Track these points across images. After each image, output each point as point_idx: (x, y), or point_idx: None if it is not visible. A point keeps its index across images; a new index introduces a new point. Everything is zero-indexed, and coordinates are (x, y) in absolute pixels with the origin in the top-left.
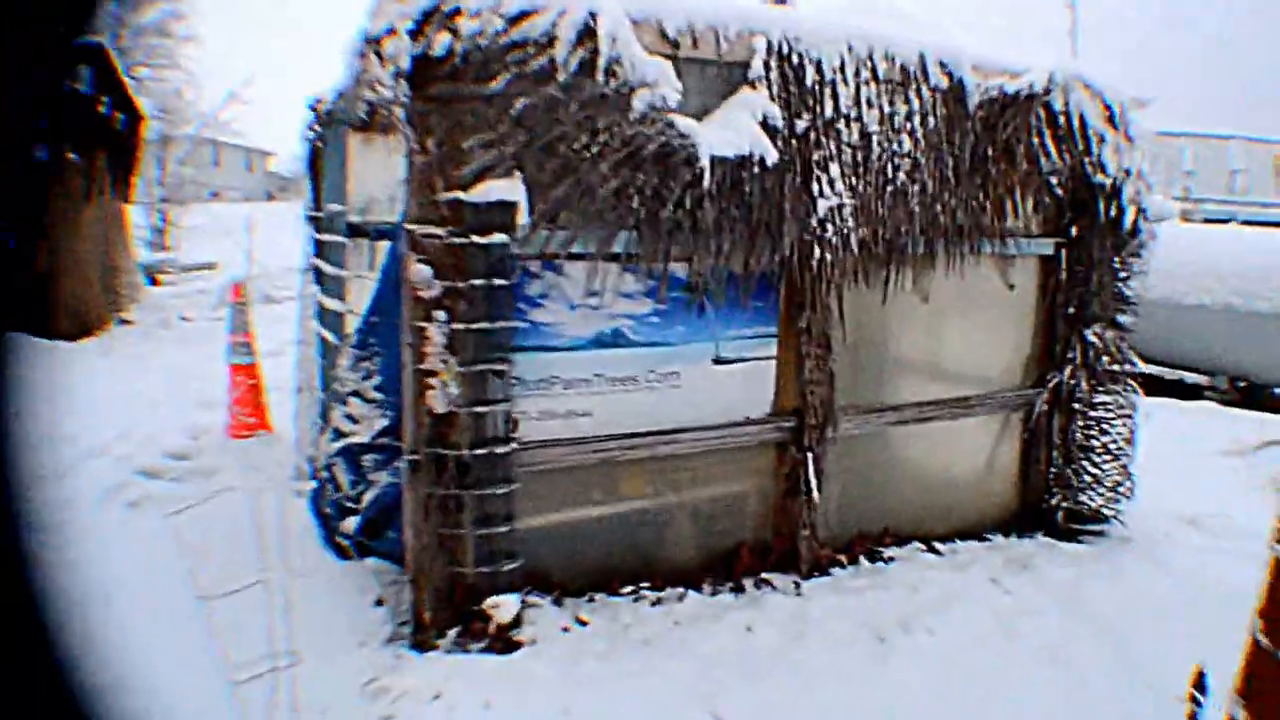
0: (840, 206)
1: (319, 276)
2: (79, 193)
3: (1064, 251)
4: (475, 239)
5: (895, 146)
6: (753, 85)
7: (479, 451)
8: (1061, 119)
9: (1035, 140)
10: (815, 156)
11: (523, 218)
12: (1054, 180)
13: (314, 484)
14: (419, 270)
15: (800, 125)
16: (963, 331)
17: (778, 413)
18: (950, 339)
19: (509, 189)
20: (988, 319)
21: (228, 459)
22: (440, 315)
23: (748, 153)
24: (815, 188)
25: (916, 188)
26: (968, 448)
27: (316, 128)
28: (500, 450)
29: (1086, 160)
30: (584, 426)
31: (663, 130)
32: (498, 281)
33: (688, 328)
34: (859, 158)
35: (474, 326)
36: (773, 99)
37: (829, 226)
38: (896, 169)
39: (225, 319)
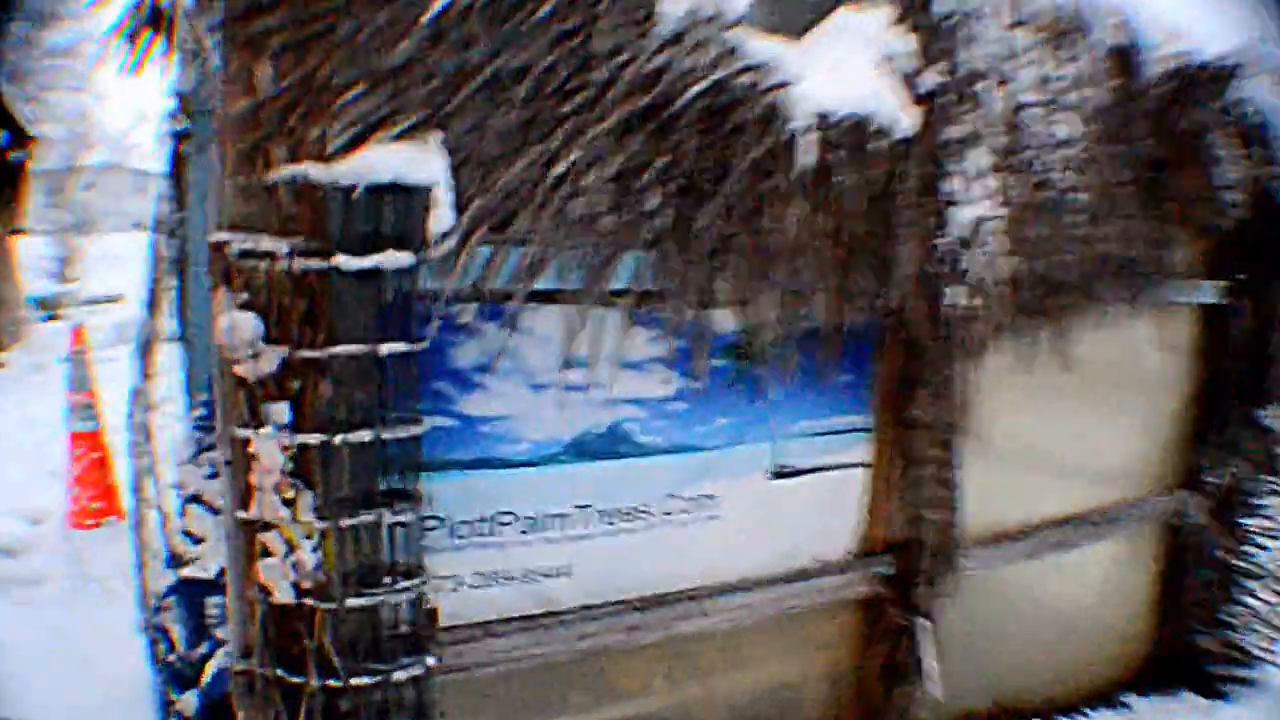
0: (984, 220)
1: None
2: None
3: (1235, 301)
4: (347, 260)
5: (1052, 130)
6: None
7: (360, 680)
8: (1252, 112)
9: (1217, 139)
10: (952, 135)
11: (444, 219)
12: (1229, 198)
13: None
14: (237, 322)
15: (929, 81)
16: (1098, 411)
17: (867, 551)
18: (1085, 422)
19: (416, 160)
20: (1127, 393)
21: (59, 561)
22: (279, 412)
23: (864, 114)
24: (949, 187)
25: (1078, 197)
26: (1096, 577)
27: (183, 118)
28: (403, 673)
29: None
30: (558, 594)
31: (718, 58)
32: (393, 346)
33: (733, 421)
34: (1010, 144)
35: (350, 437)
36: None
37: (967, 251)
38: (1051, 165)
39: (65, 372)
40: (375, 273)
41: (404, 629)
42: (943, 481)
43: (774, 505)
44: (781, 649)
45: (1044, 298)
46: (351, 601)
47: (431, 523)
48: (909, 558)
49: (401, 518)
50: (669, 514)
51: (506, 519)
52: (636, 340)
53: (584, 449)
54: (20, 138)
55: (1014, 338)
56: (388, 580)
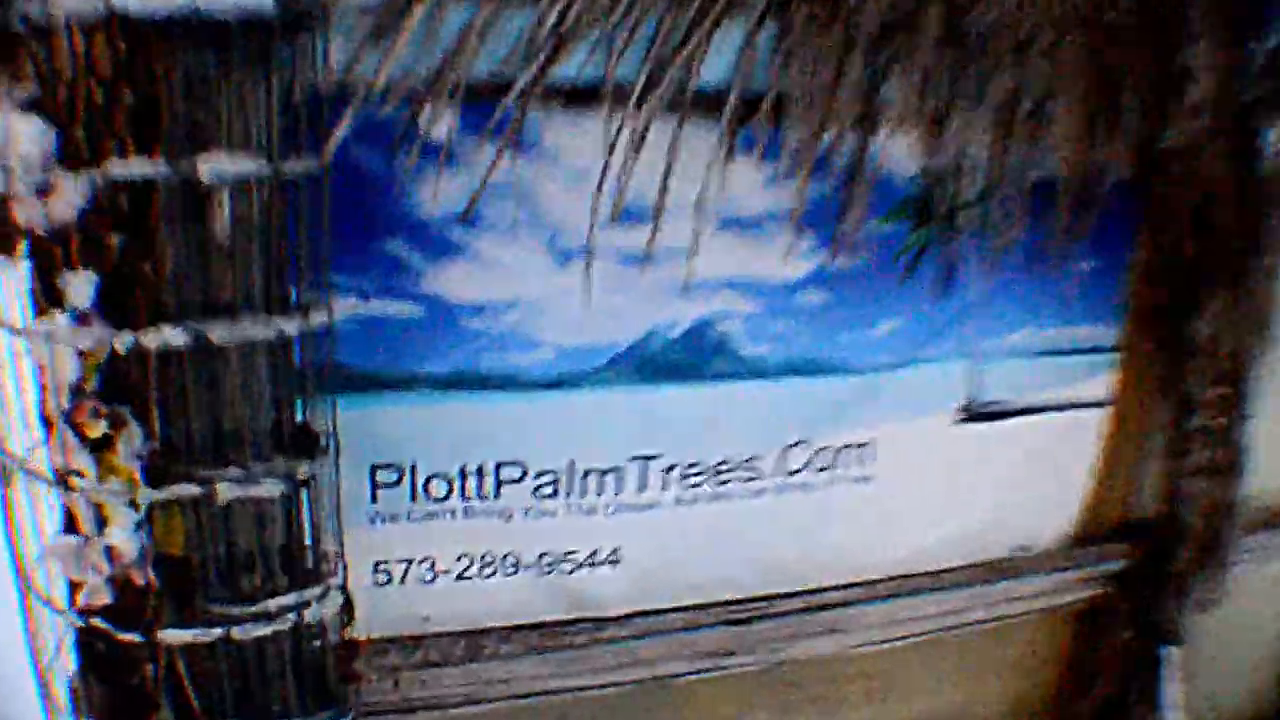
0: None
1: None
2: None
3: None
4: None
5: None
6: None
7: None
8: None
9: None
10: None
11: None
12: None
13: None
14: (15, 133)
15: None
16: None
17: (1090, 537)
18: None
19: None
20: None
21: None
22: (80, 288)
23: None
24: None
25: None
26: None
27: None
28: None
29: None
30: (597, 594)
31: None
32: (296, 164)
33: (904, 327)
34: None
35: (210, 331)
36: None
37: None
38: None
39: None
40: (258, 28)
41: (308, 668)
42: (1224, 436)
43: (962, 463)
44: (944, 679)
45: None
46: (200, 633)
47: (386, 475)
48: (1157, 547)
49: (307, 477)
50: (792, 474)
51: (512, 473)
52: (741, 180)
53: (646, 364)
54: None
55: None
56: (277, 588)
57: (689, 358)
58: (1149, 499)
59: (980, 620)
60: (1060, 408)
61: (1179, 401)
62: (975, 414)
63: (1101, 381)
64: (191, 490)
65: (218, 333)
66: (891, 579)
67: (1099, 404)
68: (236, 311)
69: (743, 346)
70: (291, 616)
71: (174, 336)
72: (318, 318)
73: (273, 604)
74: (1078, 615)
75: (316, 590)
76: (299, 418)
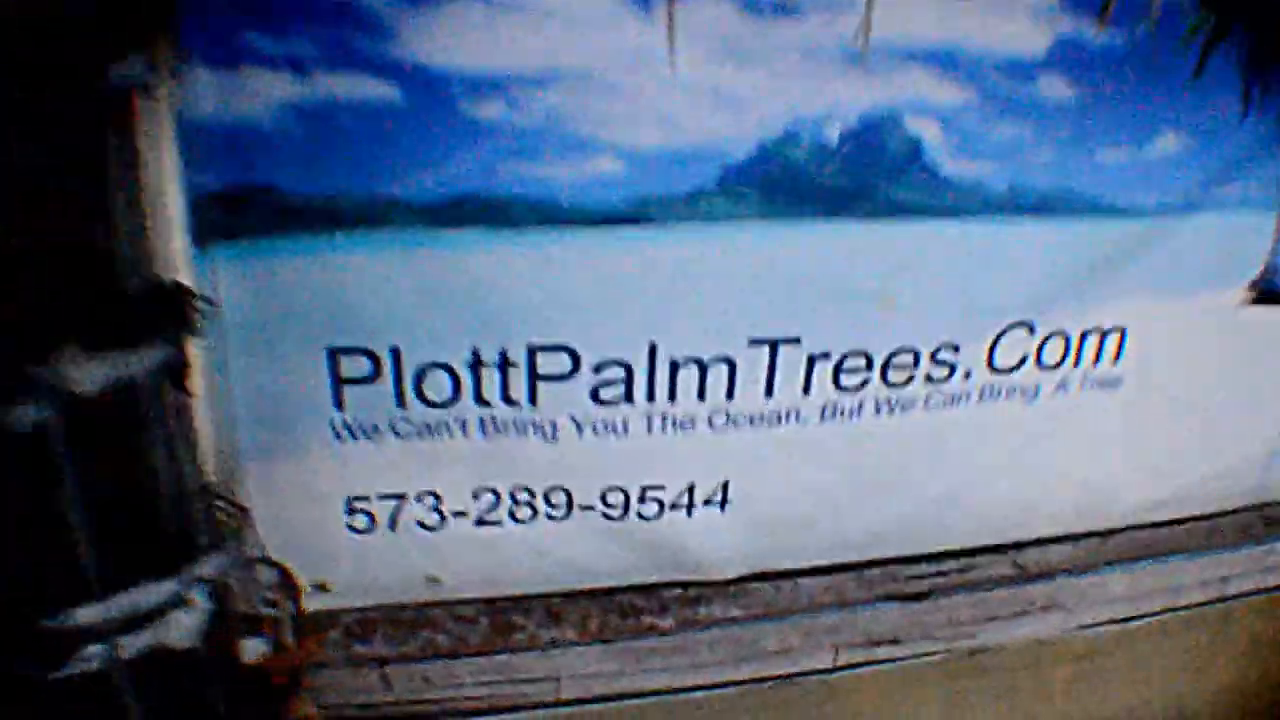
0: None
1: None
2: None
3: None
4: None
5: None
6: None
7: None
8: None
9: None
10: None
11: None
12: None
13: None
14: None
15: None
16: None
17: None
18: None
19: None
20: None
21: None
22: None
23: None
24: None
25: None
26: None
27: None
28: None
29: None
30: (699, 551)
31: None
32: None
33: (1191, 147)
34: None
35: None
36: None
37: None
38: None
39: None
40: None
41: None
42: None
43: (1244, 365)
44: (1178, 668)
45: None
46: None
47: (354, 365)
48: None
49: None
50: (1003, 372)
51: (556, 363)
52: None
53: (780, 185)
54: None
55: None
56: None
57: (853, 177)
58: None
59: (1246, 593)
60: None
61: None
62: (1271, 292)
63: None
64: None
65: None
66: (1140, 529)
67: None
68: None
69: (943, 161)
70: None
71: None
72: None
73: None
74: None
75: (185, 579)
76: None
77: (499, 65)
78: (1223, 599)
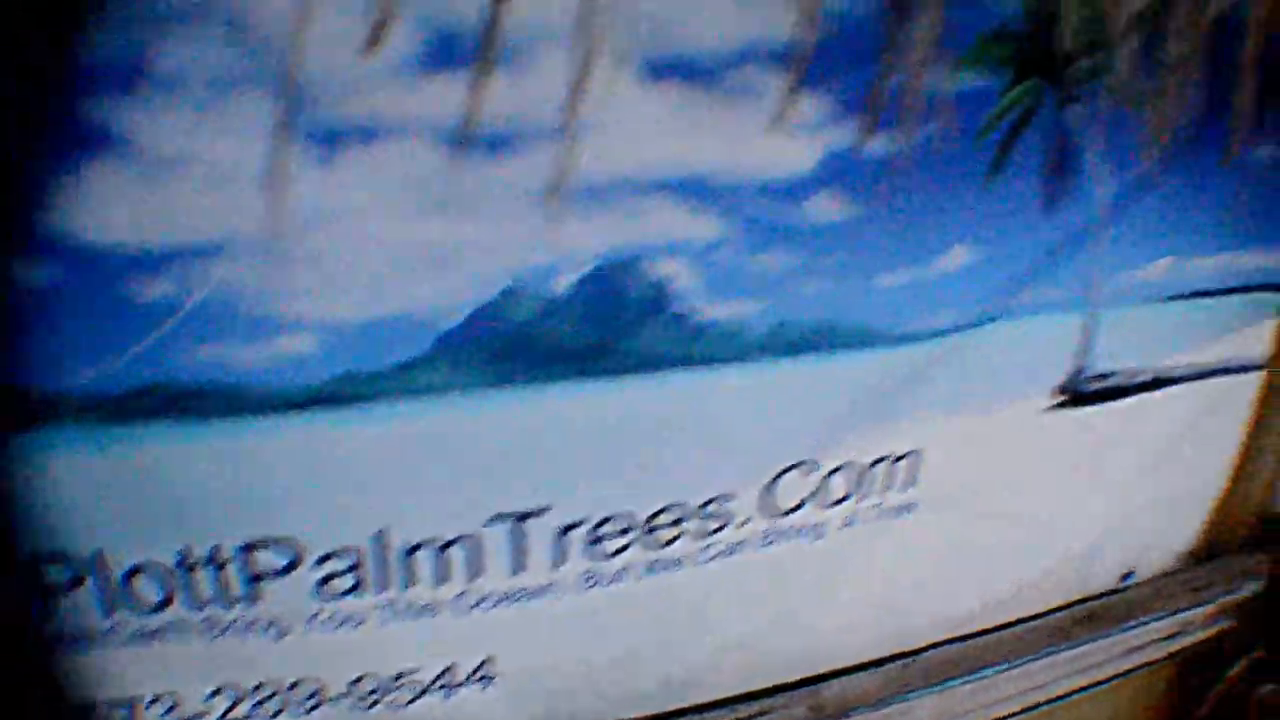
0: None
1: None
2: None
3: None
4: None
5: None
6: None
7: None
8: None
9: None
10: None
11: None
12: None
13: None
14: None
15: None
16: None
17: (1213, 551)
18: None
19: None
20: None
21: None
22: None
23: None
24: None
25: None
26: None
27: None
28: None
29: None
30: None
31: None
32: None
33: (986, 258)
34: None
35: None
36: None
37: None
38: None
39: None
40: None
41: None
42: None
43: (1055, 469)
44: None
45: None
46: None
47: (55, 573)
48: None
49: None
50: (783, 514)
51: (272, 559)
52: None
53: (506, 347)
54: None
55: None
56: None
57: (591, 331)
58: None
59: (1064, 695)
60: (1211, 373)
61: None
62: (1086, 393)
63: (1261, 334)
64: None
65: None
66: (949, 644)
67: (1255, 366)
68: None
69: (696, 305)
70: None
71: None
72: None
73: None
74: (1190, 661)
75: None
76: None
77: (162, 238)
78: (1037, 705)
